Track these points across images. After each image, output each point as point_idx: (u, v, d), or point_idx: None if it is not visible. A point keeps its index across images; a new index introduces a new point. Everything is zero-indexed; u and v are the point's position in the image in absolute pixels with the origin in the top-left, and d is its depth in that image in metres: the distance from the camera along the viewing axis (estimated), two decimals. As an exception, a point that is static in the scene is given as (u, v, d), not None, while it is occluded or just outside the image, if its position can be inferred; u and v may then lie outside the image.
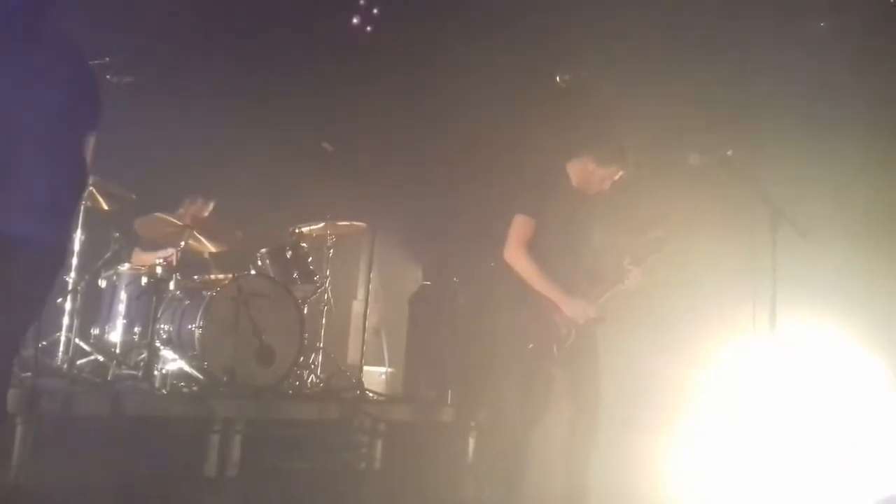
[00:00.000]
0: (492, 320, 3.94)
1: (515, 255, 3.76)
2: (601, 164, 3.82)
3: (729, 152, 3.70)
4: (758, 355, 3.57)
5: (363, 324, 5.51)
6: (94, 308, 4.90)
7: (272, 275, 5.10)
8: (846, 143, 4.95)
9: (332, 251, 5.51)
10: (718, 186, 4.16)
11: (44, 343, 4.60)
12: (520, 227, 3.78)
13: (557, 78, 5.37)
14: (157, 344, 4.57)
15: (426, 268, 6.34)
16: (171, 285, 4.78)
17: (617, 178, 3.87)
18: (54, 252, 2.42)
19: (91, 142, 2.52)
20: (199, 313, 4.57)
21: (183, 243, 4.83)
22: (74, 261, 4.63)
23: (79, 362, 4.53)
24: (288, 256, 5.21)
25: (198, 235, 4.92)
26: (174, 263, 4.78)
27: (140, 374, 4.40)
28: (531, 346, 3.70)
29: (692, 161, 3.71)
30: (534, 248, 3.75)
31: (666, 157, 4.53)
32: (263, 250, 5.22)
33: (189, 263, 5.07)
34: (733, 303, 3.99)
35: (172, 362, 4.48)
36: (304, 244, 5.36)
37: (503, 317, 3.86)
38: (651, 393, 4.85)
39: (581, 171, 3.86)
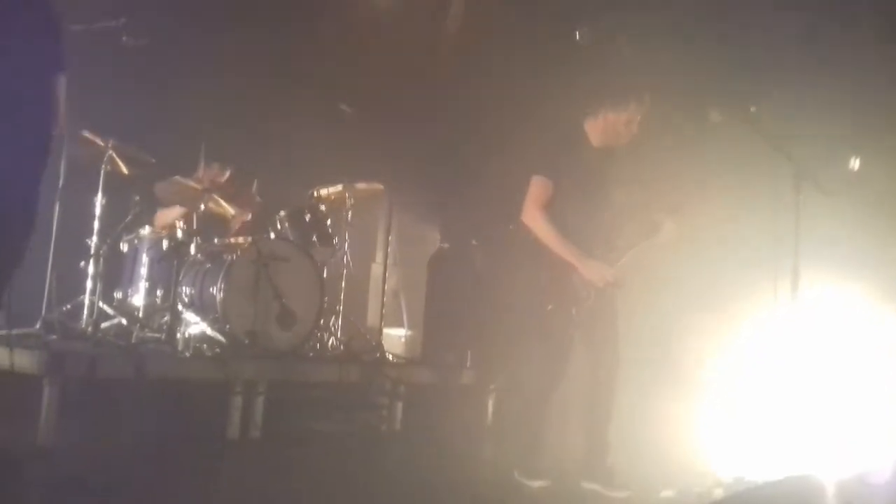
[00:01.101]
0: (510, 282, 4.05)
1: (533, 217, 3.76)
2: (616, 108, 3.76)
3: (752, 108, 3.64)
4: (780, 320, 3.53)
5: (382, 286, 5.54)
6: (116, 271, 4.93)
7: (291, 238, 5.10)
8: (874, 99, 4.82)
9: (350, 214, 5.51)
10: (740, 145, 4.08)
11: (68, 306, 4.67)
12: (537, 188, 3.77)
13: (577, 34, 5.26)
14: (180, 307, 4.59)
15: (444, 230, 6.31)
16: (192, 249, 4.79)
17: (639, 119, 3.79)
18: (21, 208, 2.33)
19: (62, 84, 2.45)
20: (220, 277, 4.59)
21: (202, 206, 4.82)
22: (96, 224, 4.65)
23: (103, 325, 4.56)
24: (307, 219, 5.21)
25: (218, 199, 4.90)
26: (194, 225, 4.77)
27: (163, 336, 4.43)
28: (550, 307, 3.71)
29: (713, 118, 3.65)
30: (552, 209, 3.75)
31: (686, 114, 4.46)
32: (282, 213, 5.22)
33: (210, 227, 5.07)
34: (755, 267, 3.95)
35: (195, 325, 4.51)
36: (322, 207, 5.36)
37: (522, 279, 3.88)
38: (671, 358, 4.85)
39: (601, 125, 3.81)
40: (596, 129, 3.83)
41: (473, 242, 5.72)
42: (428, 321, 5.82)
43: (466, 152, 6.29)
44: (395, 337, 6.14)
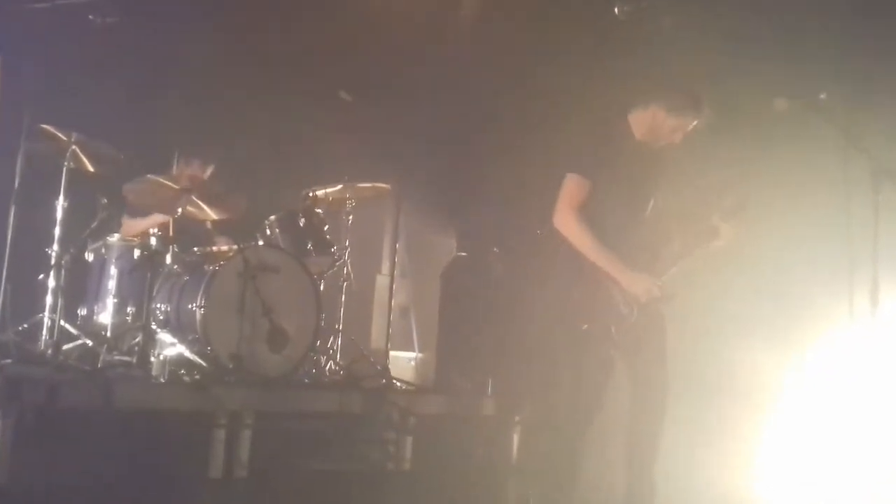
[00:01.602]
0: (539, 297, 4.01)
1: (566, 221, 3.76)
2: (673, 112, 3.79)
3: (822, 96, 3.63)
4: (857, 339, 3.50)
5: (388, 302, 5.54)
6: (80, 285, 4.95)
7: (283, 246, 5.11)
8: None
9: (351, 218, 5.52)
10: (809, 137, 4.07)
11: (24, 326, 4.69)
12: (572, 188, 3.77)
13: (616, 10, 5.27)
14: (153, 326, 4.61)
15: (461, 236, 6.30)
16: (168, 259, 4.81)
17: (690, 128, 3.84)
18: None
19: None
20: (201, 291, 4.60)
21: (180, 210, 4.84)
22: (57, 231, 4.66)
23: (64, 347, 4.58)
24: (301, 224, 5.22)
25: (196, 200, 4.92)
26: (170, 232, 4.79)
27: (134, 360, 4.45)
28: (585, 326, 3.72)
29: (778, 107, 3.67)
30: (588, 212, 3.75)
31: (747, 102, 4.46)
32: (272, 217, 5.23)
33: (188, 234, 5.10)
34: (827, 277, 3.93)
35: (171, 347, 4.52)
36: (319, 210, 5.37)
37: (552, 293, 3.88)
38: (728, 385, 4.83)
39: (648, 121, 3.83)
40: (642, 122, 3.84)
41: (495, 250, 5.72)
42: (442, 342, 5.83)
43: (487, 146, 6.30)
44: (404, 360, 6.14)
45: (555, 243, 3.81)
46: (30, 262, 4.78)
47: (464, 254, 6.02)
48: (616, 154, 3.77)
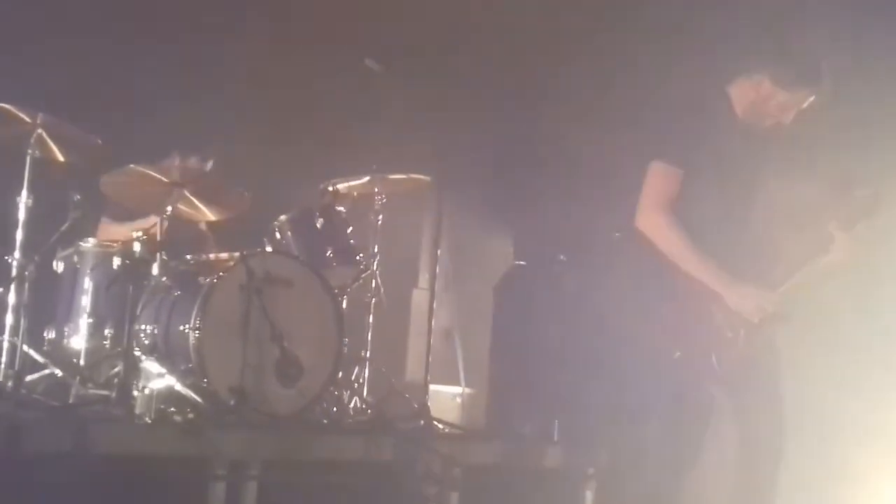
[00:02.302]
0: (617, 317, 3.96)
1: (652, 220, 3.76)
2: (783, 84, 3.77)
3: None
4: None
5: (428, 323, 5.50)
6: (47, 302, 4.97)
7: (296, 253, 5.12)
8: None
9: (381, 218, 5.52)
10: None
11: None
12: (658, 179, 3.78)
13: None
14: (137, 352, 4.60)
15: (519, 241, 6.33)
16: (155, 269, 4.79)
17: (805, 105, 3.81)
18: None
19: None
20: (195, 309, 4.60)
21: (170, 208, 4.83)
22: (18, 235, 4.67)
23: (28, 378, 4.59)
24: (318, 226, 5.23)
25: (190, 197, 4.93)
26: (158, 236, 4.80)
27: (113, 395, 4.43)
28: (678, 354, 3.70)
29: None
30: (681, 210, 3.74)
31: (879, 77, 4.51)
32: (283, 218, 5.24)
33: (179, 238, 5.10)
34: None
35: (158, 379, 4.51)
36: (341, 208, 5.37)
37: (634, 311, 3.86)
38: (852, 427, 4.83)
39: (752, 94, 3.83)
40: (745, 96, 3.84)
41: (561, 258, 5.70)
42: (495, 374, 5.82)
43: (550, 129, 6.29)
44: (448, 397, 6.13)
45: (638, 249, 3.82)
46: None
47: (522, 263, 6.01)
48: (712, 136, 3.77)
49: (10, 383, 4.47)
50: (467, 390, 6.27)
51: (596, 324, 5.22)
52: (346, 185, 5.51)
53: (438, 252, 5.69)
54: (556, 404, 5.42)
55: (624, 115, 5.29)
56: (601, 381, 5.06)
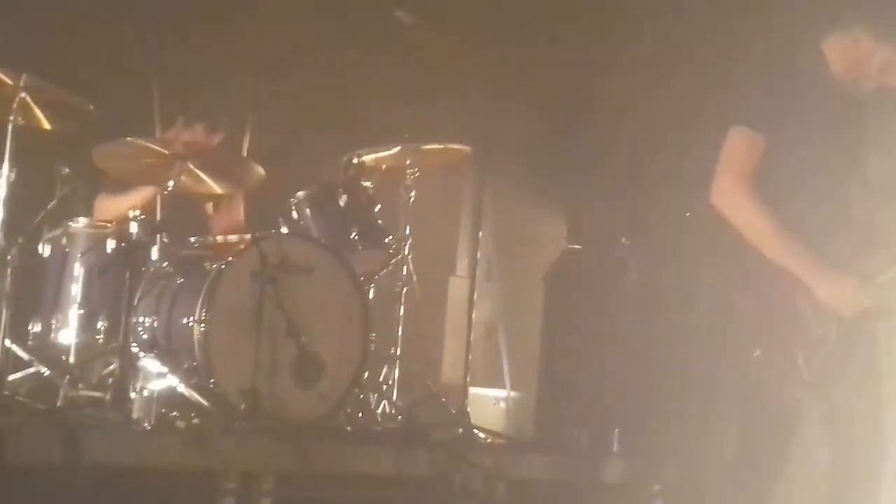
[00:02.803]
0: (689, 309, 4.04)
1: (731, 196, 3.73)
2: (887, 39, 3.73)
3: None
4: None
5: (468, 316, 5.48)
6: (32, 290, 5.01)
7: (316, 235, 5.13)
8: None
9: (413, 194, 5.53)
10: None
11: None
12: (738, 148, 3.75)
13: None
14: (135, 349, 4.63)
15: (573, 222, 6.31)
16: (155, 253, 4.83)
17: None
18: None
19: None
20: (200, 299, 4.62)
21: (171, 183, 4.87)
22: (0, 214, 4.71)
23: (11, 378, 4.63)
24: (341, 204, 5.24)
25: (194, 170, 4.95)
26: (157, 214, 4.85)
27: (108, 397, 4.45)
28: (758, 352, 3.68)
29: None
30: (763, 185, 3.71)
31: None
32: (301, 194, 5.25)
33: (182, 217, 5.15)
34: None
35: (158, 379, 4.54)
36: (367, 183, 5.37)
37: (708, 302, 3.89)
38: None
39: (849, 51, 3.79)
40: (841, 54, 3.80)
41: (623, 241, 5.69)
42: (545, 375, 5.81)
43: (609, 91, 6.27)
44: (490, 401, 6.14)
45: (712, 230, 3.79)
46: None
47: (577, 247, 6.01)
48: (803, 99, 3.72)
49: (-9, 384, 4.52)
50: (513, 394, 6.28)
51: (663, 317, 5.25)
52: (373, 156, 5.51)
53: (480, 234, 5.65)
54: (617, 410, 5.43)
55: (699, 74, 5.28)
56: (669, 383, 5.07)
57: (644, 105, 5.93)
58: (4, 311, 4.66)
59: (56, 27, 5.62)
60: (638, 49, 6.10)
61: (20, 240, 4.76)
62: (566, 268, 5.89)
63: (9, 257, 4.70)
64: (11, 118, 4.71)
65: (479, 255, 5.67)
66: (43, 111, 4.86)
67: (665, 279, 5.38)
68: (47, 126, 4.91)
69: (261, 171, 5.08)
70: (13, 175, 4.69)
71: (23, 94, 4.73)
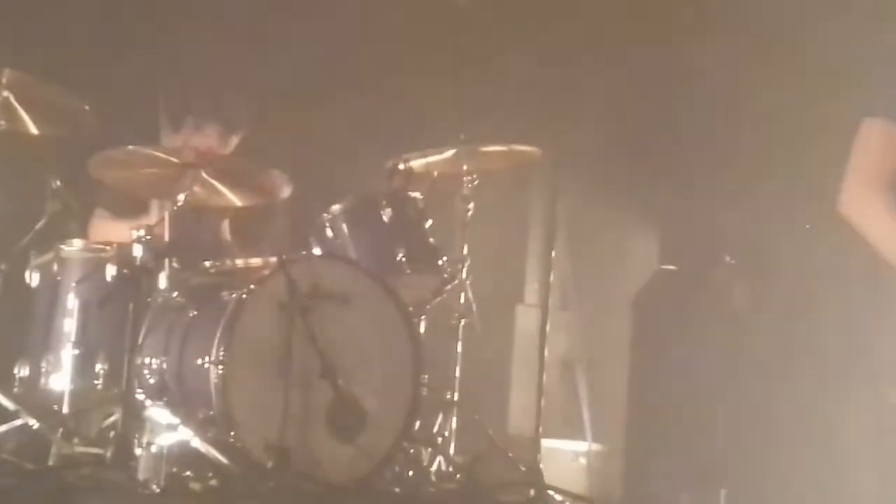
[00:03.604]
0: (810, 344, 3.97)
1: (866, 204, 3.68)
2: None
3: None
4: None
5: (539, 353, 5.44)
6: (18, 328, 5.03)
7: (354, 256, 5.14)
8: None
9: (471, 206, 5.50)
10: None
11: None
12: (874, 144, 3.71)
13: None
14: (140, 395, 4.64)
15: (667, 237, 6.28)
16: (163, 280, 4.85)
17: None
18: None
19: None
20: (218, 336, 4.62)
21: (182, 196, 4.87)
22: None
23: (-7, 431, 4.66)
24: (385, 220, 5.25)
25: (209, 180, 4.95)
26: (165, 235, 4.84)
27: (109, 453, 4.47)
28: None
29: None
30: None
31: None
32: (336, 208, 5.27)
33: (195, 238, 5.21)
34: None
35: (169, 432, 4.52)
36: (416, 194, 5.38)
37: (837, 336, 3.86)
38: None
39: None
40: None
41: (728, 261, 5.67)
42: (634, 423, 5.82)
43: (708, 83, 6.24)
44: (568, 456, 6.11)
45: (840, 245, 3.79)
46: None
47: (672, 267, 6.00)
48: None
49: (-30, 439, 4.55)
50: (595, 447, 6.23)
51: (779, 353, 5.18)
52: (422, 161, 5.51)
53: (553, 253, 5.64)
54: (723, 467, 5.39)
55: (820, 60, 5.26)
56: (788, 434, 5.02)
57: (752, 98, 5.91)
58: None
59: (44, 14, 5.65)
60: (744, 35, 6.09)
61: (2, 266, 4.80)
62: (659, 292, 5.89)
63: (-9, 287, 4.74)
64: (-9, 121, 4.75)
65: (551, 278, 5.68)
66: (29, 113, 4.89)
67: (779, 306, 5.35)
68: (34, 131, 4.93)
69: (287, 179, 5.07)
70: (-5, 191, 4.73)
71: (5, 94, 4.76)
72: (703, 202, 6.11)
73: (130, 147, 4.84)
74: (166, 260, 4.83)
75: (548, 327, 5.65)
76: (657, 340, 5.78)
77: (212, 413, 4.62)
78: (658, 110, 6.47)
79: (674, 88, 6.44)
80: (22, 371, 5.01)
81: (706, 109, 6.23)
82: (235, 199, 5.12)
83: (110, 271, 4.85)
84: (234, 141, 5.63)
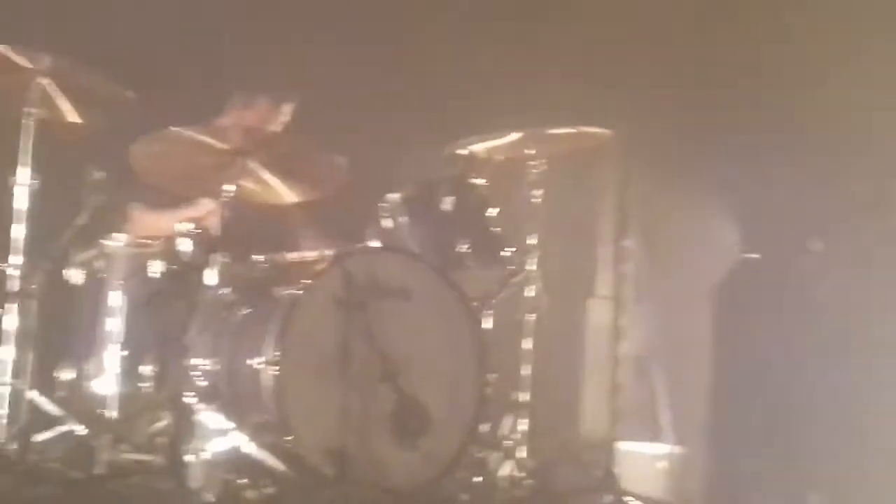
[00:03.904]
0: None
1: None
2: None
3: None
4: None
5: (613, 350, 5.40)
6: (61, 329, 5.07)
7: (414, 248, 5.15)
8: None
9: (539, 194, 5.45)
10: None
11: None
12: None
13: None
14: (191, 399, 4.64)
15: (748, 224, 6.21)
16: (212, 276, 4.82)
17: None
18: None
19: None
20: (272, 335, 4.64)
21: (232, 187, 4.87)
22: (18, 232, 4.73)
23: (36, 438, 4.67)
24: (446, 208, 5.27)
25: (259, 169, 4.96)
26: (215, 228, 4.86)
27: (158, 461, 4.53)
28: None
29: None
30: None
31: None
32: (394, 197, 5.28)
33: (246, 231, 5.12)
34: None
35: (221, 437, 4.55)
36: (479, 180, 5.39)
37: None
38: None
39: None
40: None
41: (813, 248, 5.62)
42: (717, 424, 5.79)
43: (793, 56, 6.20)
44: (646, 460, 6.04)
45: None
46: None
47: (754, 256, 5.95)
48: None
49: (13, 446, 4.54)
50: (675, 449, 6.16)
51: (869, 345, 5.13)
52: (485, 146, 5.48)
53: (626, 243, 5.60)
54: (814, 468, 5.36)
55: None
56: (883, 430, 5.01)
57: (840, 74, 5.86)
58: (29, 355, 4.73)
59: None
60: (832, 9, 6.02)
61: (44, 264, 4.82)
62: (741, 283, 5.85)
63: (30, 287, 4.75)
64: (29, 111, 4.75)
65: (625, 268, 5.63)
66: (69, 101, 4.91)
67: (869, 296, 5.33)
68: (75, 119, 4.96)
69: (344, 164, 5.07)
70: (35, 183, 4.72)
71: (44, 80, 4.78)
72: (785, 185, 6.06)
73: (173, 128, 4.80)
74: (215, 254, 4.80)
75: (622, 321, 5.62)
76: (739, 333, 5.75)
77: (266, 417, 4.65)
78: (737, 88, 6.42)
79: (754, 64, 6.39)
80: (65, 374, 5.06)
81: (790, 86, 6.18)
82: (289, 191, 5.11)
83: (156, 267, 4.90)
84: (286, 116, 5.65)
